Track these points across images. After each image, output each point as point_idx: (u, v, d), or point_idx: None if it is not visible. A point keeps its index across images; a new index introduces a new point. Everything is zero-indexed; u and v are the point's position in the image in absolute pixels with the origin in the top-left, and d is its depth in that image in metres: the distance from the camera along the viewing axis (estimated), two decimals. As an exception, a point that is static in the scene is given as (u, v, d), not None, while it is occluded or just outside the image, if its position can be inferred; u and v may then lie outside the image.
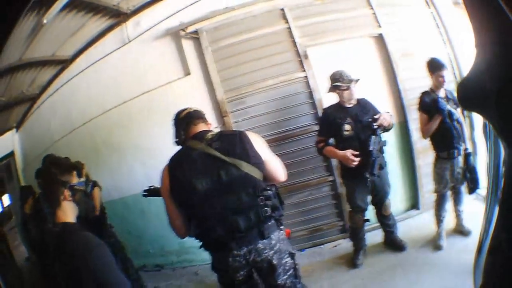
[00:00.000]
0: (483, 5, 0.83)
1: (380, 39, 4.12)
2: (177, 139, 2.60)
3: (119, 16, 4.31)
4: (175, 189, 2.33)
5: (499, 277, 0.84)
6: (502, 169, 0.86)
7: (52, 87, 5.34)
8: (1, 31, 0.97)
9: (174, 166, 2.37)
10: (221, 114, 3.79)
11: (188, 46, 3.97)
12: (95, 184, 3.83)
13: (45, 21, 4.49)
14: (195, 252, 4.08)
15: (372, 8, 4.06)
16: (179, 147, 2.63)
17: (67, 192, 1.65)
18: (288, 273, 2.33)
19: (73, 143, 4.86)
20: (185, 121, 2.53)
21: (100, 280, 1.52)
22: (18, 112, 6.13)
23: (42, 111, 5.68)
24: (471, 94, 0.86)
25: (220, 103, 3.80)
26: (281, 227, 2.38)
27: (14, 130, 6.73)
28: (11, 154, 6.90)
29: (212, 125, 2.86)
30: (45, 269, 3.77)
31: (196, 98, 3.87)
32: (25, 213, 3.79)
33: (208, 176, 2.21)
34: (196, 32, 3.90)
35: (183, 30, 3.94)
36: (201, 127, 2.47)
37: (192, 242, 4.27)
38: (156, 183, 3.21)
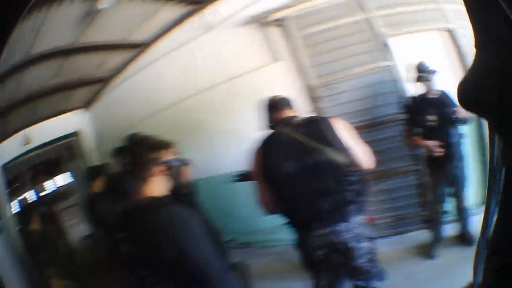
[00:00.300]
0: (483, 5, 0.84)
1: (452, 33, 4.14)
2: (268, 124, 2.65)
3: (196, 4, 4.32)
4: (266, 170, 2.43)
5: (499, 277, 0.86)
6: (502, 169, 0.88)
7: (128, 70, 5.41)
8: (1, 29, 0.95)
9: (265, 149, 2.46)
10: (312, 99, 3.79)
11: (273, 33, 4.00)
12: (183, 162, 3.85)
13: (101, 6, 4.51)
14: (281, 232, 4.12)
15: (445, 3, 4.08)
16: (265, 131, 2.67)
17: (155, 169, 1.64)
18: (365, 257, 2.44)
19: (157, 125, 4.84)
20: (273, 107, 2.61)
21: (186, 254, 1.49)
22: (84, 93, 6.23)
23: (119, 93, 5.75)
24: (470, 94, 0.87)
25: (311, 88, 3.81)
26: (363, 212, 2.43)
27: (80, 110, 6.81)
28: (75, 134, 6.97)
29: (301, 110, 2.89)
30: (114, 246, 3.79)
31: (286, 83, 3.88)
32: (94, 191, 3.79)
33: (295, 160, 2.32)
34: (280, 19, 3.90)
35: (267, 17, 3.94)
36: (288, 113, 2.55)
37: (279, 222, 4.32)
38: (244, 164, 3.26)
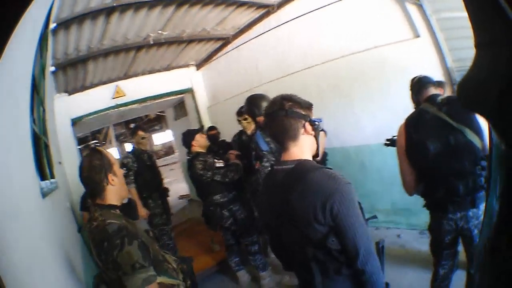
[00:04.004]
0: (483, 4, 0.80)
1: None
2: (414, 101, 2.58)
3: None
4: (410, 147, 2.31)
5: (499, 278, 0.81)
6: (502, 170, 0.84)
7: (255, 30, 5.24)
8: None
9: (410, 126, 2.35)
10: (450, 81, 3.63)
11: (412, 10, 3.74)
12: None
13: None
14: (404, 215, 4.02)
15: None
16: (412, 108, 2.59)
17: (308, 126, 1.49)
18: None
19: (291, 86, 4.61)
20: (417, 85, 2.52)
21: (340, 222, 1.31)
22: (199, 50, 6.05)
23: (244, 52, 5.58)
24: (471, 94, 0.86)
25: (449, 70, 3.62)
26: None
27: (193, 68, 6.88)
28: (189, 91, 7.03)
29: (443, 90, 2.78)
30: (207, 209, 3.64)
31: (425, 61, 3.65)
32: (195, 151, 3.64)
33: (439, 139, 2.18)
34: (417, -3, 3.77)
35: (405, -6, 3.81)
36: (432, 90, 2.43)
37: (405, 204, 4.10)
38: (385, 137, 3.09)
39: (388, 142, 3.02)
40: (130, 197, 3.24)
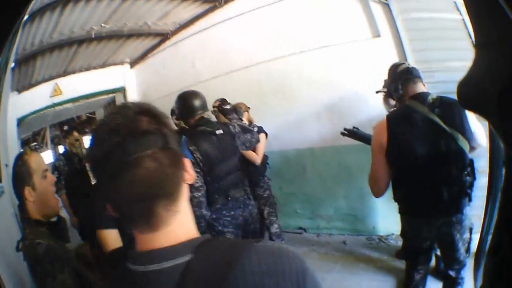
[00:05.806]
0: (483, 4, 0.78)
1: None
2: (397, 95, 2.29)
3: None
4: (392, 148, 2.08)
5: (500, 278, 0.79)
6: (502, 170, 0.82)
7: (196, 25, 5.00)
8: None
9: (394, 124, 2.11)
10: None
11: (376, 9, 3.65)
12: (260, 130, 3.43)
13: None
14: (349, 220, 3.89)
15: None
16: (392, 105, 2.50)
17: (188, 163, 1.22)
18: (464, 247, 2.22)
19: (230, 86, 4.45)
20: (404, 76, 2.24)
21: None
22: (137, 46, 5.78)
23: (181, 49, 5.33)
24: (471, 94, 0.81)
25: None
26: (470, 202, 2.16)
27: (127, 65, 6.44)
28: (121, 90, 6.57)
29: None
30: None
31: (386, 61, 3.37)
32: None
33: (428, 143, 2.04)
34: (384, -4, 3.65)
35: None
36: (421, 87, 2.19)
37: (349, 210, 3.97)
38: (327, 142, 3.12)
39: (346, 132, 2.84)
40: (60, 216, 2.85)
